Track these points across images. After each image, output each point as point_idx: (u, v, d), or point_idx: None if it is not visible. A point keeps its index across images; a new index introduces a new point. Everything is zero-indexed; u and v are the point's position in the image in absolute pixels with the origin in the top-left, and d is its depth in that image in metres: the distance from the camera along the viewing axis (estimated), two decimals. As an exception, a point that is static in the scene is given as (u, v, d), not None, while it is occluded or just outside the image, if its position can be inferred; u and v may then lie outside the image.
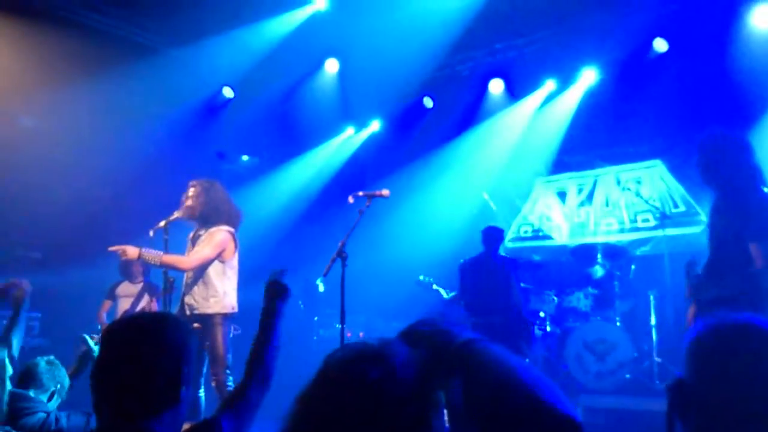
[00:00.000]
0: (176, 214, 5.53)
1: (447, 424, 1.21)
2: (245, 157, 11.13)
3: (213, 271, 5.43)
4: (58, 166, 7.99)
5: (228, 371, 5.21)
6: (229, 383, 5.16)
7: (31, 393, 3.14)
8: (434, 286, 8.25)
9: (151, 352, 1.70)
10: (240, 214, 5.75)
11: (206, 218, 5.55)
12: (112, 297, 7.62)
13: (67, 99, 7.77)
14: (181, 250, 5.59)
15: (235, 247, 5.59)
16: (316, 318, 9.32)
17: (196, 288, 5.41)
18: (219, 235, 5.46)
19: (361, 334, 8.67)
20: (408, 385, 1.18)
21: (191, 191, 5.61)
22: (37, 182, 7.81)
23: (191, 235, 5.67)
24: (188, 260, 5.37)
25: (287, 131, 10.17)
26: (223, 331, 5.31)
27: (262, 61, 9.10)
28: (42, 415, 3.06)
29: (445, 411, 1.22)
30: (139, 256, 5.17)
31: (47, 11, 7.52)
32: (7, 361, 3.20)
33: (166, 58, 8.76)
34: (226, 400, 2.23)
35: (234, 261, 5.59)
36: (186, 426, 2.05)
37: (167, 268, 5.35)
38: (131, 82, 8.23)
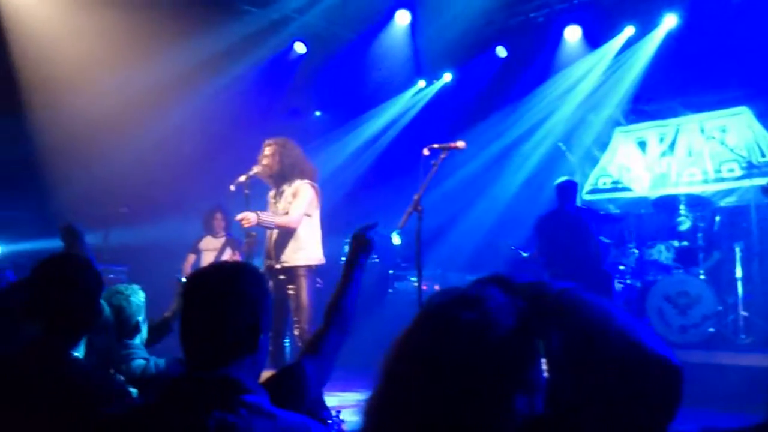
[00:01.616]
0: (255, 169, 5.62)
1: (545, 374, 1.21)
2: (317, 113, 11.17)
3: (299, 225, 5.53)
4: (142, 122, 8.20)
5: (311, 321, 5.32)
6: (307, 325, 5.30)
7: (128, 339, 3.24)
8: (512, 248, 8.19)
9: (227, 302, 1.74)
10: (316, 169, 5.83)
11: (284, 175, 5.64)
12: (196, 251, 7.83)
13: (148, 59, 7.93)
14: (258, 206, 5.67)
15: (318, 200, 5.68)
16: (391, 271, 9.36)
17: (283, 241, 5.53)
18: (305, 190, 5.57)
19: (436, 287, 8.67)
20: (504, 330, 1.17)
21: (267, 150, 5.70)
22: (123, 139, 8.03)
23: (272, 193, 5.76)
24: (294, 218, 5.50)
25: (358, 86, 10.13)
26: (308, 282, 5.45)
27: (333, 15, 9.05)
28: (141, 361, 3.16)
29: (543, 360, 1.21)
30: (258, 221, 5.30)
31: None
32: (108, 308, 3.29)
33: (242, 15, 8.81)
34: (307, 345, 2.29)
35: (318, 214, 5.70)
36: (271, 372, 2.12)
37: (280, 229, 5.51)
38: (210, 40, 8.32)
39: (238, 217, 5.40)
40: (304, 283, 5.43)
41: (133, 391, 2.87)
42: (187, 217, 8.09)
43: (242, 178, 5.57)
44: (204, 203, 7.94)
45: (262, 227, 5.57)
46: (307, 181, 5.62)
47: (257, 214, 5.33)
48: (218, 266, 2.01)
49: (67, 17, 7.62)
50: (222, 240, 7.80)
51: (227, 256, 7.65)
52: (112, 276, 7.19)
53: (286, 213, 5.55)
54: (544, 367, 1.21)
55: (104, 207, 7.50)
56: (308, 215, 5.59)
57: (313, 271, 5.54)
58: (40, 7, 7.55)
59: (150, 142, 8.20)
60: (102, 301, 3.09)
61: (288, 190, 5.61)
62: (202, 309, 1.75)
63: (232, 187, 5.58)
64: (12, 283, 3.52)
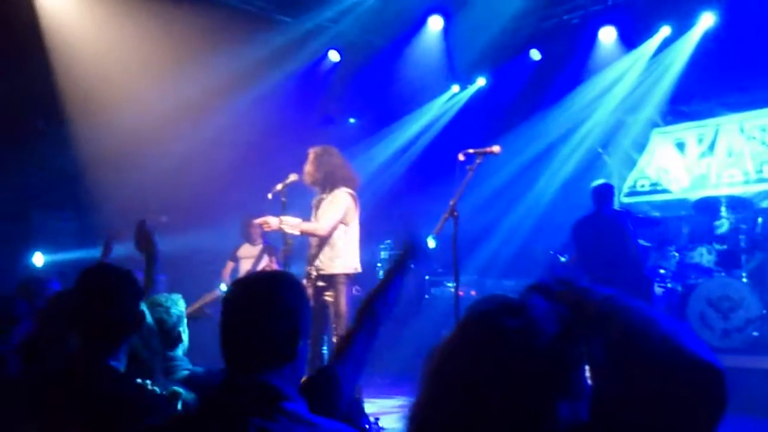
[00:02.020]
0: (292, 177, 5.68)
1: (589, 381, 1.20)
2: (352, 120, 11.22)
3: (337, 233, 5.57)
4: (180, 132, 8.31)
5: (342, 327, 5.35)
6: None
7: (171, 351, 3.27)
8: (550, 252, 8.12)
9: (266, 310, 1.75)
10: (357, 177, 5.87)
11: (323, 183, 5.70)
12: (235, 259, 7.93)
13: (186, 70, 8.05)
14: (301, 213, 5.73)
15: (356, 209, 5.71)
16: (426, 277, 9.34)
17: (320, 248, 5.57)
18: (342, 198, 5.60)
19: (473, 292, 8.64)
20: (547, 338, 1.17)
21: (309, 158, 5.76)
22: (162, 148, 8.16)
23: (315, 200, 5.81)
24: (322, 226, 5.53)
25: (392, 92, 10.15)
26: (346, 290, 5.48)
27: (366, 23, 9.10)
28: (185, 372, 3.20)
29: (587, 368, 1.20)
30: (279, 226, 5.37)
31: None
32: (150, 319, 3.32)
33: (276, 25, 8.89)
34: (336, 349, 2.30)
35: (356, 222, 5.72)
36: (304, 378, 2.11)
37: (306, 235, 5.57)
38: (246, 50, 8.42)
39: (259, 220, 5.50)
40: (342, 291, 5.46)
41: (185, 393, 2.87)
42: (225, 225, 8.18)
43: (279, 187, 5.63)
44: (241, 211, 8.02)
45: (284, 232, 5.60)
46: (345, 189, 5.65)
47: (280, 219, 5.39)
48: (257, 275, 2.05)
49: (107, 32, 7.77)
50: (259, 247, 7.88)
51: (264, 263, 7.73)
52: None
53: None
54: (588, 374, 1.20)
55: (144, 216, 7.61)
56: (344, 224, 5.61)
57: (351, 278, 5.58)
58: (81, 22, 7.71)
59: (187, 152, 8.32)
60: (146, 312, 3.14)
61: (327, 197, 5.65)
62: (242, 317, 1.76)
63: (270, 196, 5.64)
64: (57, 292, 3.57)
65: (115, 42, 7.75)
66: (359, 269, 5.68)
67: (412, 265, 2.59)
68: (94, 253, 6.93)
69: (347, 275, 5.54)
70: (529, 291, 1.29)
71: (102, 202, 7.99)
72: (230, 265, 7.92)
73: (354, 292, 5.70)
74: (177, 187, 8.37)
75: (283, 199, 5.61)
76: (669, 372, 1.09)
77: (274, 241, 7.64)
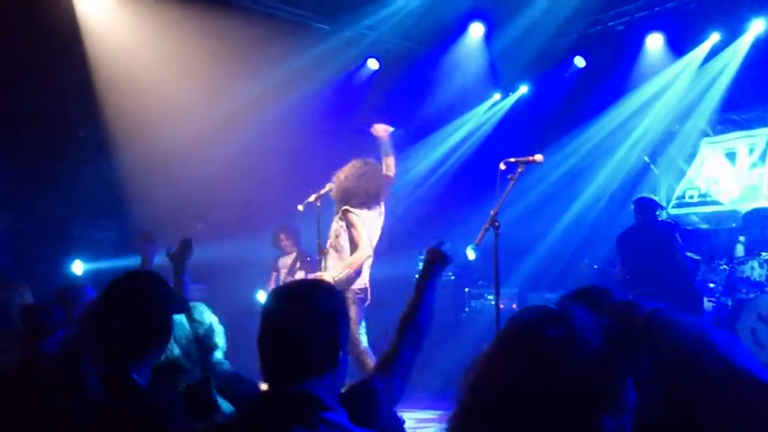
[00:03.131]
0: (329, 187, 5.63)
1: (633, 396, 1.16)
2: (391, 129, 11.11)
3: (349, 249, 5.59)
4: (219, 140, 8.34)
5: (360, 341, 5.36)
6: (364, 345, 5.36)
7: (209, 355, 3.24)
8: (595, 266, 7.94)
9: (306, 318, 1.75)
10: (382, 193, 5.82)
11: (345, 199, 5.67)
12: (276, 269, 7.97)
13: (225, 79, 8.12)
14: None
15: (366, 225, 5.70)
16: (467, 290, 9.19)
17: (332, 263, 5.61)
18: (354, 219, 5.58)
19: (514, 306, 8.46)
20: (591, 349, 1.14)
21: (349, 169, 5.77)
22: (201, 156, 8.18)
23: (333, 227, 5.84)
24: (357, 258, 5.48)
25: (432, 100, 10.04)
26: (356, 308, 5.44)
27: (406, 30, 9.02)
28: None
29: (631, 382, 1.17)
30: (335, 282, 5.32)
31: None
32: (185, 323, 3.29)
33: (315, 33, 8.86)
34: (378, 362, 2.31)
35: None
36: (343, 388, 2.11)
37: (357, 268, 5.52)
38: (285, 59, 8.42)
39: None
40: (351, 307, 5.35)
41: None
42: (261, 235, 8.16)
43: (312, 198, 5.61)
44: (277, 220, 8.01)
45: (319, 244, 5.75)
46: (355, 210, 5.62)
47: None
48: (295, 283, 2.10)
49: (147, 40, 7.84)
50: (293, 255, 7.86)
51: (299, 271, 7.69)
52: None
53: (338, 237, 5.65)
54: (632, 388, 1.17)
55: (180, 225, 7.61)
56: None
57: (359, 294, 5.55)
58: (121, 31, 7.77)
59: (226, 160, 8.33)
60: (184, 323, 3.10)
61: (342, 224, 5.66)
62: (281, 326, 1.76)
63: (300, 207, 5.63)
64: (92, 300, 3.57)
65: (155, 51, 7.81)
66: (367, 285, 5.62)
67: (441, 274, 2.59)
68: (133, 261, 6.96)
69: (355, 291, 5.51)
70: (572, 301, 1.27)
71: (140, 211, 8.02)
72: (273, 275, 7.96)
73: (364, 305, 5.65)
74: (215, 195, 8.38)
75: (318, 206, 5.57)
76: (722, 390, 1.08)
77: (306, 249, 7.63)
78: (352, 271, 5.47)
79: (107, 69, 7.74)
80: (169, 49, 7.86)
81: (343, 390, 2.11)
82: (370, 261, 5.69)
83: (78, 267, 7.83)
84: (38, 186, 7.89)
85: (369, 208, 5.68)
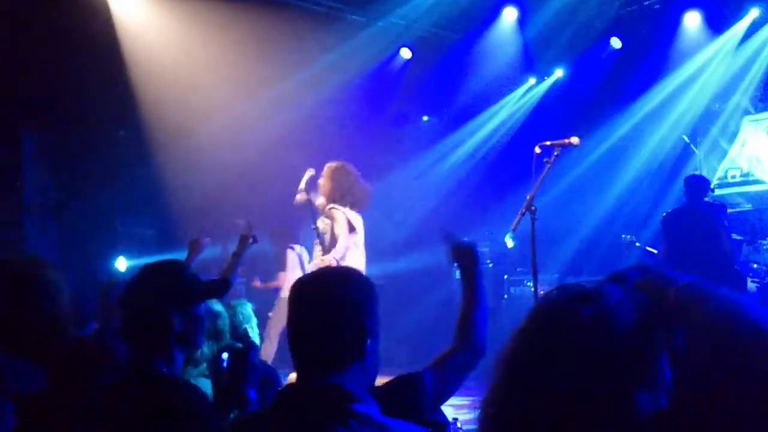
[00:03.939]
0: (309, 173, 6.05)
1: (668, 371, 1.17)
2: (425, 118, 11.10)
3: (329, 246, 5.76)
4: (252, 134, 8.41)
5: None
6: None
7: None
8: (637, 244, 7.77)
9: (332, 307, 1.72)
10: (366, 194, 5.99)
11: (335, 199, 5.87)
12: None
13: (259, 71, 8.14)
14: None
15: (354, 225, 5.84)
16: (506, 276, 9.14)
17: (315, 258, 5.85)
18: (336, 215, 5.76)
19: (554, 291, 8.38)
20: (625, 326, 1.14)
21: (325, 173, 5.99)
22: (237, 151, 8.23)
23: (319, 224, 6.00)
24: (335, 253, 5.63)
25: (466, 87, 9.97)
26: None
27: (438, 17, 8.97)
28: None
29: (666, 357, 1.17)
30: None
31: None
32: (224, 312, 3.37)
33: (347, 24, 8.86)
34: (436, 358, 2.28)
35: (356, 239, 5.83)
36: (386, 379, 2.12)
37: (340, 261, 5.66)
38: (318, 50, 8.44)
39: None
40: None
41: None
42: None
43: (301, 185, 6.07)
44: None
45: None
46: (338, 207, 5.83)
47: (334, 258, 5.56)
48: (323, 272, 2.05)
49: (181, 36, 7.89)
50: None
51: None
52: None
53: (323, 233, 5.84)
54: (668, 363, 1.17)
55: (220, 219, 7.69)
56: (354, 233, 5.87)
57: None
58: (156, 28, 7.84)
59: (259, 153, 8.39)
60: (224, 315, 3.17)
61: (326, 221, 5.89)
62: (308, 315, 1.74)
63: (297, 199, 5.83)
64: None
65: (190, 49, 7.88)
66: None
67: (477, 269, 2.50)
68: (175, 257, 7.06)
69: None
70: (605, 280, 1.25)
71: (179, 207, 8.14)
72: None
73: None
74: (250, 189, 8.44)
75: (308, 195, 5.87)
76: (758, 362, 1.05)
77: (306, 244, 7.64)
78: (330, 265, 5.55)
79: (144, 69, 7.84)
80: (203, 47, 7.93)
81: (391, 378, 2.15)
82: (363, 258, 5.84)
83: (122, 263, 7.99)
84: (82, 185, 8.06)
85: (352, 206, 5.87)
